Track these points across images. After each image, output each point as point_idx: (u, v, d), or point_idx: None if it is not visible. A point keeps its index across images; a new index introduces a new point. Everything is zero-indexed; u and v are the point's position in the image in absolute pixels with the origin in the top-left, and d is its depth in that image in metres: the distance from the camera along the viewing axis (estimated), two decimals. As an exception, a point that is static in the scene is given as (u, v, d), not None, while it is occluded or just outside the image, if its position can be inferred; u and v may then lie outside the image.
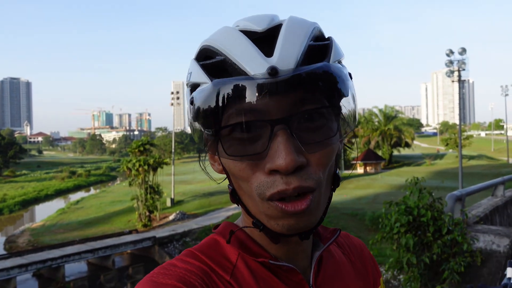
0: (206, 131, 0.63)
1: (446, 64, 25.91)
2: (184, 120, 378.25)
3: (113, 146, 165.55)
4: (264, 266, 0.68)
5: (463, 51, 25.31)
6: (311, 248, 0.75)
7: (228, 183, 0.68)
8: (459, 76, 26.03)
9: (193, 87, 0.64)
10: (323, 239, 0.77)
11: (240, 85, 0.57)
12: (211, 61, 0.63)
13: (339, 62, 0.65)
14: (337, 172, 0.68)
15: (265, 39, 0.62)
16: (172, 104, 44.06)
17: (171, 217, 31.47)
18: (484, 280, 4.53)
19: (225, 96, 0.58)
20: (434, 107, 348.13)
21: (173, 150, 46.13)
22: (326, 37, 0.67)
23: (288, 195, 0.59)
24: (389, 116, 57.84)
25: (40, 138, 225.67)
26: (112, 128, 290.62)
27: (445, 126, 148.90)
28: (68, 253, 21.56)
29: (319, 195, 0.62)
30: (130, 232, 27.27)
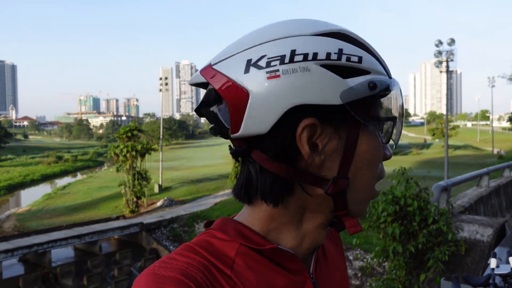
0: (366, 116, 0.66)
1: (435, 55, 26.06)
2: (173, 106, 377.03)
3: (100, 131, 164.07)
4: (265, 257, 0.68)
5: (452, 42, 25.46)
6: None
7: (336, 174, 0.66)
8: (447, 66, 26.23)
9: (351, 70, 0.63)
10: None
11: (397, 87, 0.69)
12: (377, 55, 0.69)
13: None
14: None
15: None
16: (160, 90, 43.68)
17: (158, 203, 31.43)
18: (468, 269, 4.63)
19: (395, 93, 0.69)
20: (422, 97, 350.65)
21: (161, 136, 45.87)
22: None
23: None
24: (378, 106, 58.07)
25: (25, 123, 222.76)
26: (99, 113, 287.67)
27: (432, 116, 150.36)
28: (54, 239, 21.44)
29: None
30: (117, 218, 27.20)
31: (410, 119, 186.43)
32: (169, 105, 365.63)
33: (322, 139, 0.64)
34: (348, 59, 0.63)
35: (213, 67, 0.65)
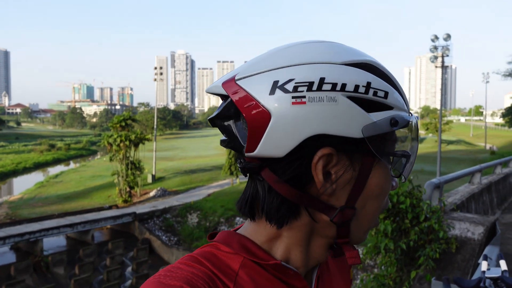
0: (383, 151, 0.67)
1: (430, 50, 26.07)
2: (167, 96, 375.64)
3: (94, 120, 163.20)
4: (268, 272, 0.68)
5: (448, 37, 25.47)
6: None
7: (344, 203, 0.66)
8: (443, 62, 26.26)
9: (376, 105, 0.64)
10: None
11: (413, 123, 0.69)
12: (401, 91, 0.70)
13: None
14: None
15: None
16: (155, 80, 43.46)
17: (151, 194, 31.42)
18: (458, 267, 4.66)
19: (410, 130, 0.69)
20: (417, 92, 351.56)
21: (155, 126, 45.73)
22: None
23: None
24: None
25: (18, 110, 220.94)
26: (93, 101, 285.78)
27: (426, 111, 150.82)
28: (46, 227, 21.39)
29: None
30: (110, 208, 27.18)
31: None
32: (164, 94, 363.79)
33: (337, 169, 0.64)
34: (375, 94, 0.63)
35: (237, 82, 0.63)
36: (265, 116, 0.60)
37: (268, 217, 0.67)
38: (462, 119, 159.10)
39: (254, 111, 0.60)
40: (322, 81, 0.60)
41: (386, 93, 0.64)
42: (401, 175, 0.71)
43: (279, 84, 0.60)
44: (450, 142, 68.91)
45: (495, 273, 2.29)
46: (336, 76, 0.61)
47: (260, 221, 0.70)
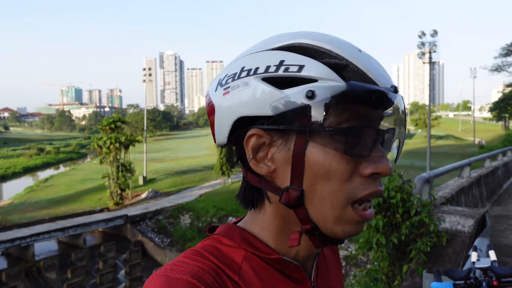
0: (307, 125, 0.62)
1: (418, 46, 26.26)
2: (157, 97, 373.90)
3: (83, 123, 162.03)
4: (269, 265, 0.69)
5: (435, 33, 25.67)
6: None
7: (289, 184, 0.66)
8: (430, 58, 26.48)
9: (294, 80, 0.63)
10: None
11: (372, 93, 0.62)
12: (335, 61, 0.64)
13: None
14: None
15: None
16: (144, 81, 43.26)
17: (143, 195, 31.30)
18: (449, 260, 4.72)
19: (356, 99, 0.62)
20: (405, 88, 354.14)
21: (145, 128, 45.53)
22: None
23: (374, 197, 0.65)
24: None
25: (6, 114, 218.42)
26: (81, 104, 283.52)
27: (415, 107, 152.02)
28: (37, 232, 21.22)
29: None
30: (101, 211, 27.01)
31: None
32: (153, 96, 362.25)
33: (272, 149, 0.65)
34: (286, 70, 0.63)
35: (209, 85, 0.74)
36: (212, 110, 0.69)
37: (240, 201, 0.72)
38: (451, 114, 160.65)
39: (208, 108, 0.71)
40: (242, 69, 0.66)
41: (301, 67, 0.63)
42: (358, 155, 0.63)
43: (219, 81, 0.70)
44: (439, 137, 69.54)
45: (484, 263, 2.33)
46: (252, 62, 0.66)
47: (251, 212, 0.73)
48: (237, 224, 0.75)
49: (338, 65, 0.64)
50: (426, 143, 27.89)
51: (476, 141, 60.75)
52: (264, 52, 0.67)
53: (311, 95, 0.62)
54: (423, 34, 25.65)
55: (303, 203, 0.65)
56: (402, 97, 0.67)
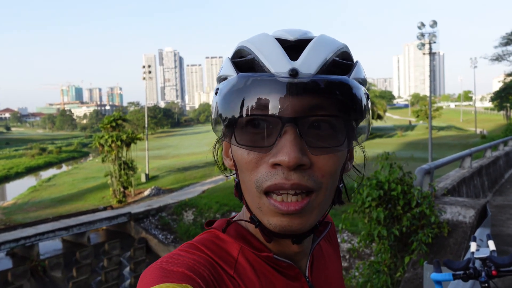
0: (224, 122, 0.66)
1: (417, 37, 26.18)
2: (157, 94, 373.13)
3: (84, 121, 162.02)
4: (264, 260, 0.71)
5: (434, 24, 25.58)
6: (310, 245, 0.78)
7: (236, 177, 0.71)
8: (430, 48, 26.39)
9: (221, 80, 0.69)
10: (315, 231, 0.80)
11: (260, 80, 0.61)
12: (242, 59, 0.67)
13: (360, 83, 0.67)
14: (340, 185, 0.71)
15: (294, 48, 0.66)
16: (144, 78, 43.21)
17: (146, 193, 31.35)
18: (451, 250, 4.74)
19: (246, 89, 0.62)
20: (406, 79, 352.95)
21: (146, 125, 45.49)
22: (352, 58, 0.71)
23: (285, 189, 0.61)
24: (362, 89, 58.22)
25: (7, 115, 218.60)
26: (82, 103, 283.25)
27: (416, 98, 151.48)
28: (42, 231, 21.28)
29: (317, 199, 0.65)
30: (105, 209, 27.07)
31: (395, 101, 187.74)
32: (154, 93, 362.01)
33: (229, 145, 0.72)
34: (218, 74, 0.72)
35: None
36: None
37: (234, 193, 0.74)
38: (452, 105, 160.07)
39: None
40: None
41: (221, 69, 0.70)
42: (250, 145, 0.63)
43: None
44: (440, 128, 69.41)
45: (483, 253, 2.35)
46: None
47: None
48: (234, 219, 0.77)
49: (246, 61, 0.66)
50: (428, 135, 27.85)
51: (478, 131, 60.61)
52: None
53: (216, 92, 0.67)
54: (423, 25, 25.57)
55: (242, 194, 0.69)
56: (332, 80, 0.62)
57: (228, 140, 0.69)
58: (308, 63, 0.62)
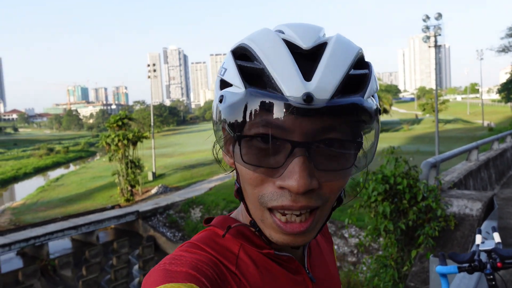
0: (228, 130, 0.63)
1: (422, 30, 26.01)
2: (162, 92, 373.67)
3: (91, 121, 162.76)
4: (265, 255, 0.72)
5: (439, 16, 25.40)
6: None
7: (236, 178, 0.71)
8: (435, 41, 26.22)
9: (225, 84, 0.66)
10: None
11: (273, 102, 0.58)
12: (249, 65, 0.63)
13: (373, 95, 0.65)
14: (341, 195, 0.71)
15: (306, 57, 0.62)
16: (149, 77, 43.31)
17: (153, 191, 31.48)
18: (458, 243, 4.74)
19: (255, 108, 0.59)
20: (412, 73, 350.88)
21: (152, 124, 45.63)
22: (366, 61, 0.68)
23: (292, 211, 0.61)
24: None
25: (14, 115, 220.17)
26: (88, 103, 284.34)
27: (422, 91, 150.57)
28: (51, 231, 21.45)
29: (322, 213, 0.65)
30: (113, 207, 27.23)
31: (400, 95, 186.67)
32: (159, 91, 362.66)
33: (230, 144, 0.68)
34: (220, 72, 0.68)
35: None
36: None
37: (234, 191, 0.73)
38: (459, 98, 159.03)
39: None
40: None
41: (225, 70, 0.66)
42: (251, 164, 0.61)
43: None
44: (447, 121, 69.02)
45: (489, 245, 2.35)
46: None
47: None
48: (231, 215, 0.78)
49: (255, 69, 0.62)
50: (434, 128, 27.71)
51: (485, 124, 60.19)
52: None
53: (221, 99, 0.63)
54: (427, 17, 25.40)
55: (243, 199, 0.69)
56: (346, 104, 0.59)
57: (227, 150, 0.69)
58: (323, 85, 0.58)
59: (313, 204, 0.61)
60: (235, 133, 0.61)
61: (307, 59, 0.61)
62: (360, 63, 0.66)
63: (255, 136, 0.60)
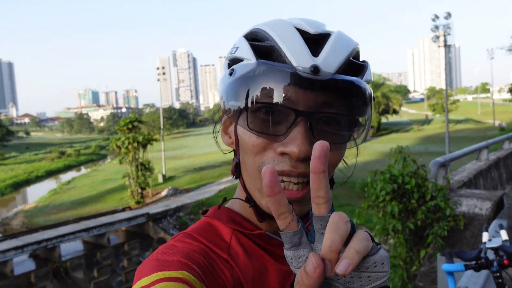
0: (234, 102, 0.68)
1: (432, 30, 25.86)
2: (172, 95, 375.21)
3: (101, 124, 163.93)
4: (256, 244, 0.74)
5: (448, 15, 25.24)
6: None
7: (234, 155, 0.75)
8: (445, 41, 26.06)
9: (235, 61, 0.71)
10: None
11: (281, 71, 0.63)
12: (261, 43, 0.68)
13: (367, 83, 0.71)
14: (333, 176, 0.76)
15: (313, 41, 0.68)
16: (158, 80, 43.53)
17: (163, 193, 31.59)
18: (467, 243, 4.72)
19: (265, 77, 0.63)
20: (421, 73, 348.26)
21: (161, 126, 45.85)
22: (361, 59, 0.74)
23: (290, 177, 0.65)
24: (377, 84, 57.83)
25: (26, 120, 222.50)
26: (99, 106, 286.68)
27: (432, 92, 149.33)
28: (63, 233, 21.64)
29: None
30: (123, 210, 27.39)
31: (410, 95, 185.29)
32: (168, 94, 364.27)
33: (229, 122, 0.75)
34: (231, 52, 0.73)
35: None
36: None
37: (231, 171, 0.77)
38: (469, 98, 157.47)
39: None
40: None
41: (236, 49, 0.71)
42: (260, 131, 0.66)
43: None
44: (458, 122, 68.37)
45: (495, 243, 2.35)
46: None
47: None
48: (228, 203, 0.82)
49: (265, 46, 0.68)
50: (445, 128, 27.50)
51: (496, 124, 59.52)
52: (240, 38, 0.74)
53: (231, 73, 0.69)
54: (437, 17, 25.26)
55: (240, 173, 0.73)
56: (349, 81, 0.64)
57: (232, 121, 0.74)
58: (329, 61, 0.64)
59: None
60: (243, 102, 0.65)
61: (313, 43, 0.67)
62: (357, 56, 0.73)
63: (262, 104, 0.64)
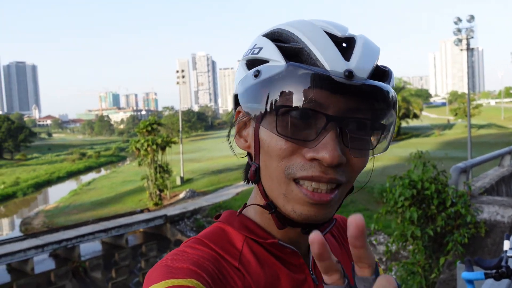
0: (258, 104, 0.66)
1: (454, 33, 25.43)
2: (191, 98, 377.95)
3: (121, 126, 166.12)
4: (268, 251, 0.72)
5: (471, 18, 24.79)
6: None
7: (251, 160, 0.72)
8: (468, 44, 25.59)
9: (258, 62, 0.69)
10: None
11: (314, 75, 0.60)
12: (288, 45, 0.66)
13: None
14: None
15: (341, 45, 0.67)
16: (178, 83, 43.92)
17: (181, 195, 31.79)
18: (488, 251, 4.60)
19: (295, 81, 0.61)
20: (443, 77, 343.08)
21: (180, 129, 46.25)
22: (380, 62, 0.73)
23: (321, 182, 0.63)
24: (397, 88, 57.16)
25: (49, 121, 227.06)
26: (119, 108, 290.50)
27: (454, 96, 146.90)
28: (82, 233, 21.96)
29: (343, 192, 0.68)
30: (142, 211, 27.65)
31: (431, 99, 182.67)
32: (187, 97, 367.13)
33: (244, 124, 0.73)
34: (253, 52, 0.70)
35: None
36: None
37: (243, 176, 0.76)
38: (492, 102, 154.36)
39: None
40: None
41: (260, 49, 0.69)
42: (288, 136, 0.63)
43: None
44: (480, 127, 67.08)
45: (517, 252, 2.28)
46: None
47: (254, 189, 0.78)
48: (248, 204, 0.79)
49: (293, 48, 0.65)
50: (467, 133, 26.99)
51: (521, 129, 58.16)
52: (258, 38, 0.72)
53: (257, 74, 0.66)
54: (459, 20, 24.83)
55: (260, 179, 0.70)
56: (380, 87, 0.63)
57: (241, 137, 0.73)
58: (361, 66, 0.63)
59: (339, 178, 0.64)
60: (270, 105, 0.63)
61: (342, 47, 0.66)
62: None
63: (291, 108, 0.62)
